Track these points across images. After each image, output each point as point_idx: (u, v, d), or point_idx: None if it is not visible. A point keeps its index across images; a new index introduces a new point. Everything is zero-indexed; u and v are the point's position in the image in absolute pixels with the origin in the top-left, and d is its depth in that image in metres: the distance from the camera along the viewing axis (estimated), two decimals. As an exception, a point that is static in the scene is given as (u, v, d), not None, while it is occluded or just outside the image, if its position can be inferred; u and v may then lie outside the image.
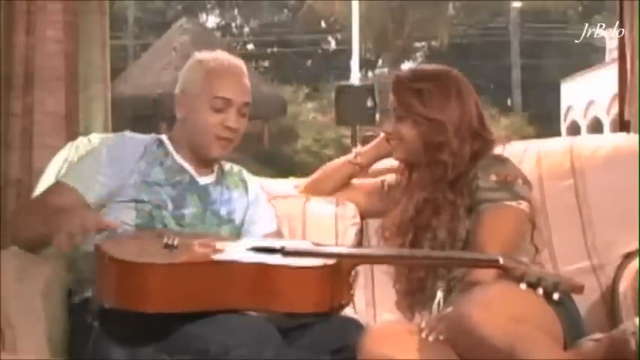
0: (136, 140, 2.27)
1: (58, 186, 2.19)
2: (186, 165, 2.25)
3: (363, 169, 2.54)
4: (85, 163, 2.23)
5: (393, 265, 2.31)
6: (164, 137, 2.29)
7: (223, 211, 2.25)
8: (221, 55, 2.29)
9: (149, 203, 2.15)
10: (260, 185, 2.44)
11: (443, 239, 2.17)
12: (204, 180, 2.26)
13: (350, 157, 2.55)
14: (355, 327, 2.03)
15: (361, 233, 2.58)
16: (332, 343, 1.98)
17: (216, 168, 2.31)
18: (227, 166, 2.36)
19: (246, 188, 2.35)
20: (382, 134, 2.43)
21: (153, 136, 2.30)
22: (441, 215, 2.18)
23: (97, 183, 2.15)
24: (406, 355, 1.92)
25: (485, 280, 2.02)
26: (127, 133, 2.30)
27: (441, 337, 1.93)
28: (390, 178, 2.46)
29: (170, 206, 2.17)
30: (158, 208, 2.15)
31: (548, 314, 1.96)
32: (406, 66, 21.28)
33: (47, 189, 2.24)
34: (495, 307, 1.85)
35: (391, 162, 2.44)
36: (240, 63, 2.29)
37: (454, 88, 2.23)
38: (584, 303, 2.22)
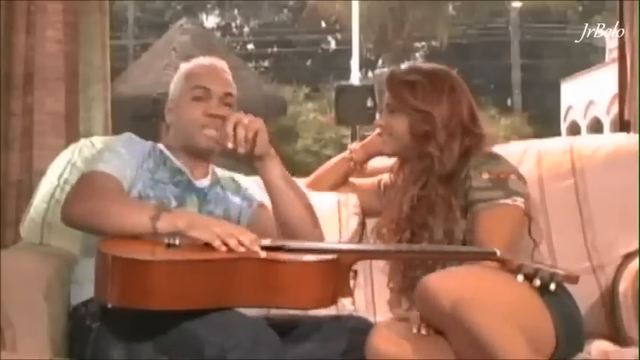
0: (141, 142, 2.30)
1: (98, 173, 2.14)
2: (183, 167, 2.28)
3: (357, 165, 2.56)
4: (110, 156, 2.19)
5: (390, 261, 2.31)
6: (161, 145, 2.31)
7: (219, 211, 2.27)
8: (201, 58, 2.37)
9: (154, 199, 2.16)
10: (259, 189, 2.45)
11: (440, 240, 2.17)
12: (200, 183, 2.29)
13: (345, 154, 2.56)
14: (364, 326, 2.03)
15: (363, 225, 2.58)
16: (341, 341, 1.98)
17: (210, 171, 2.34)
18: (219, 172, 2.39)
19: (238, 187, 2.39)
20: (376, 130, 2.45)
21: (150, 142, 2.32)
22: (436, 214, 2.18)
23: (127, 174, 2.16)
24: (414, 353, 1.93)
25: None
26: (131, 135, 2.31)
27: (423, 331, 1.94)
28: (386, 178, 2.47)
29: (174, 204, 2.19)
30: (162, 205, 2.16)
31: (536, 307, 1.95)
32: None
33: (91, 176, 2.14)
34: (454, 277, 1.89)
35: (387, 161, 2.45)
36: (221, 62, 2.35)
37: (447, 85, 2.25)
38: (584, 303, 2.22)
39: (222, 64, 2.35)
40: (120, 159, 2.17)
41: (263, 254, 1.90)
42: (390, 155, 2.37)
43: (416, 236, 2.22)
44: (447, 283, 1.87)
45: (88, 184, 2.11)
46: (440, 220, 2.18)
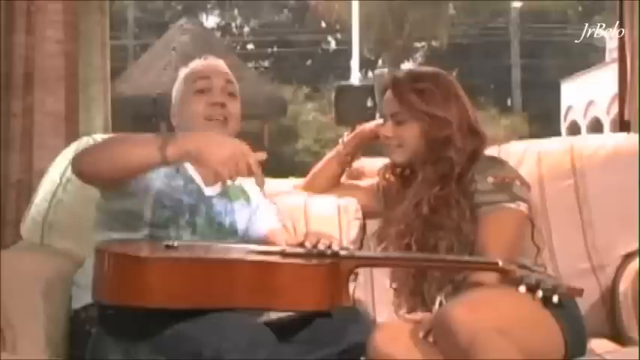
0: None
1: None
2: (194, 175, 2.27)
3: (347, 156, 2.56)
4: None
5: (392, 268, 2.30)
6: None
7: (227, 222, 2.26)
8: (199, 59, 2.39)
9: (169, 209, 2.16)
10: (260, 190, 2.45)
11: (452, 241, 2.16)
12: (209, 191, 2.27)
13: (338, 147, 2.57)
14: (363, 325, 2.03)
15: (364, 230, 2.58)
16: (339, 341, 1.98)
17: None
18: (228, 181, 2.37)
19: (247, 199, 2.37)
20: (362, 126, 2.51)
21: None
22: (451, 215, 2.17)
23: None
24: (418, 356, 1.92)
25: (486, 282, 2.02)
26: None
27: (421, 335, 1.93)
28: (386, 180, 2.46)
29: (187, 214, 2.19)
30: (175, 214, 2.17)
31: (543, 319, 1.95)
32: (406, 66, 21.32)
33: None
34: (479, 309, 1.87)
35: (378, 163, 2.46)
36: (218, 60, 2.38)
37: (452, 89, 2.25)
38: (584, 303, 2.22)
39: (219, 61, 2.37)
40: None
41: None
42: (399, 165, 2.35)
43: (426, 238, 2.19)
44: (466, 318, 1.84)
45: (98, 142, 2.15)
46: (454, 220, 2.16)
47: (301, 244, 2.00)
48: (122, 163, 1.98)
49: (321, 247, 1.97)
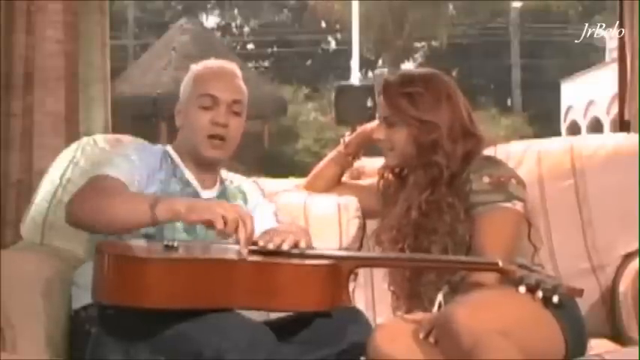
0: (153, 150, 2.30)
1: (105, 177, 2.13)
2: (191, 178, 2.27)
3: (348, 156, 2.56)
4: (119, 161, 2.19)
5: (390, 269, 2.30)
6: (169, 148, 2.31)
7: None
8: (212, 61, 2.34)
9: None
10: (259, 189, 2.45)
11: (446, 243, 2.16)
12: (207, 194, 2.27)
13: (340, 147, 2.56)
14: (363, 325, 2.03)
15: (363, 229, 2.58)
16: (339, 341, 1.98)
17: (219, 180, 2.33)
18: (227, 180, 2.38)
19: (245, 199, 2.36)
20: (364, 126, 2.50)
21: (160, 147, 2.32)
22: (443, 218, 2.17)
23: (136, 179, 2.15)
24: (417, 354, 1.92)
25: (486, 282, 2.02)
26: (144, 142, 2.30)
27: (421, 336, 1.93)
28: (385, 179, 2.46)
29: None
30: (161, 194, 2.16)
31: (544, 320, 1.95)
32: (406, 66, 21.30)
33: (97, 179, 2.14)
34: (482, 311, 1.86)
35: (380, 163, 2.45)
36: (231, 66, 2.33)
37: (444, 92, 2.23)
38: (584, 303, 2.21)
39: (232, 67, 2.32)
40: (130, 164, 2.16)
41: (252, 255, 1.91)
42: (392, 167, 2.35)
43: (420, 242, 2.19)
44: (469, 320, 1.84)
45: (92, 186, 2.11)
46: (447, 223, 2.16)
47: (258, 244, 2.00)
48: (110, 218, 1.99)
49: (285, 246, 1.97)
